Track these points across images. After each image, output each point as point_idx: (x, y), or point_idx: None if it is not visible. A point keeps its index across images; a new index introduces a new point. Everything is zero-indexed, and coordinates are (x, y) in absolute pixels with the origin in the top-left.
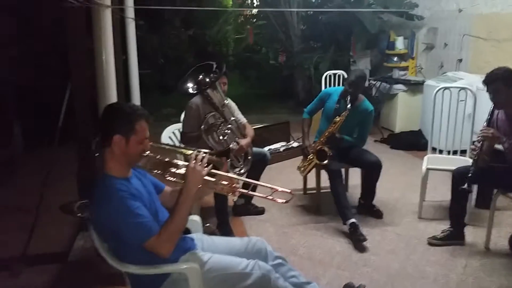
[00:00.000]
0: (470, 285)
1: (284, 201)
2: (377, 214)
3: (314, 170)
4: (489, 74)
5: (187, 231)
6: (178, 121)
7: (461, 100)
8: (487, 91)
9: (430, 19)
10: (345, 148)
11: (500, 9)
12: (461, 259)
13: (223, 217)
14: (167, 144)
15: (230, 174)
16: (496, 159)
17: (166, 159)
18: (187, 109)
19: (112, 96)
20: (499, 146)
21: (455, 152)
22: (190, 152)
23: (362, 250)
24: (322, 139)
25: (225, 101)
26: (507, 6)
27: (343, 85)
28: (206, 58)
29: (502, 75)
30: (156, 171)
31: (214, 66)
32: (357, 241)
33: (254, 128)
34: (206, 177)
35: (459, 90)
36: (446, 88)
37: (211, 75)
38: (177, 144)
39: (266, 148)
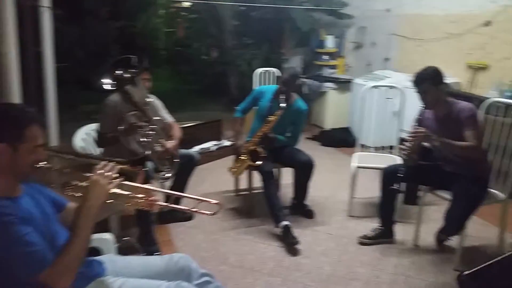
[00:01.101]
0: (402, 285)
1: (212, 213)
2: (309, 214)
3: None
4: (418, 75)
5: (97, 252)
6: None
7: (388, 98)
8: (416, 91)
9: (359, 18)
10: (278, 148)
11: (424, 10)
12: (391, 258)
13: (146, 226)
14: (68, 152)
15: (146, 186)
16: (422, 156)
17: (67, 170)
18: (103, 107)
19: (14, 94)
20: (425, 144)
21: (382, 148)
22: (96, 161)
23: (295, 254)
24: (255, 139)
25: (148, 98)
26: (431, 7)
27: (276, 83)
28: (134, 51)
29: (430, 75)
30: (55, 184)
31: (135, 60)
32: (290, 244)
33: (184, 127)
34: (117, 191)
35: (388, 89)
36: (376, 86)
37: (131, 70)
38: (93, 147)
39: (196, 148)
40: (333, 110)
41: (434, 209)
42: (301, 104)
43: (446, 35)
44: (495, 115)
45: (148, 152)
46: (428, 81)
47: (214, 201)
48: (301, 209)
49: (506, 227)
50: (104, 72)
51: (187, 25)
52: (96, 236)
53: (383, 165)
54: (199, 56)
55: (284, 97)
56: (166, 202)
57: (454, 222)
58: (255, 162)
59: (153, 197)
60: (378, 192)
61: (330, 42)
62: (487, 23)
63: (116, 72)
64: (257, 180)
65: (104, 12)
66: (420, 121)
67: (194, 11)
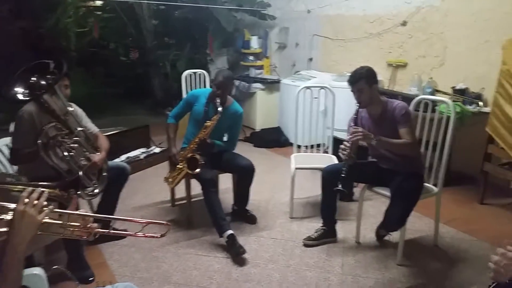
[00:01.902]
0: (351, 285)
1: (159, 235)
2: (251, 219)
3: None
4: (352, 74)
5: None
6: (8, 133)
7: (315, 98)
8: (351, 90)
9: (281, 19)
10: (216, 154)
11: (344, 11)
12: (337, 258)
13: (75, 250)
14: None
15: (82, 212)
16: (360, 155)
17: None
18: (17, 119)
19: None
20: (362, 143)
21: (312, 147)
22: (18, 188)
23: (242, 264)
24: (192, 145)
25: (69, 107)
26: (350, 8)
27: (210, 86)
28: (43, 54)
29: (365, 75)
30: None
31: (52, 65)
32: (236, 254)
33: (108, 135)
34: (47, 220)
35: (316, 88)
36: (308, 87)
37: (48, 76)
38: (3, 165)
39: (123, 157)
40: (263, 111)
41: (370, 204)
42: (237, 107)
43: (366, 35)
44: (423, 111)
45: (80, 173)
46: (363, 81)
47: (163, 222)
48: (243, 215)
49: (439, 218)
50: (14, 80)
51: (102, 25)
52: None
53: (322, 165)
54: (117, 57)
55: (220, 100)
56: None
57: (395, 219)
58: (194, 170)
59: (90, 224)
60: (315, 191)
61: (255, 43)
62: (404, 23)
63: (31, 79)
64: (196, 188)
65: (4, 10)
66: (356, 121)
67: (109, 10)
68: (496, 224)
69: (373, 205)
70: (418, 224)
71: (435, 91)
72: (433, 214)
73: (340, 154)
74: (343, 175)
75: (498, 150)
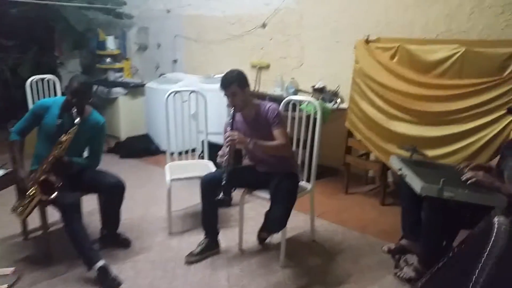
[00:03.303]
0: None
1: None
2: (124, 243)
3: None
4: (224, 79)
5: None
6: None
7: (184, 101)
8: (224, 95)
9: (140, 18)
10: (76, 173)
11: (205, 11)
12: (222, 271)
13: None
14: None
15: None
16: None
17: None
18: None
19: None
20: (239, 147)
21: (187, 152)
22: None
23: None
24: (44, 166)
25: None
26: (211, 9)
27: (63, 94)
28: None
29: (236, 78)
30: None
31: None
32: None
33: None
34: None
35: (185, 92)
36: (178, 91)
37: None
38: None
39: None
40: (127, 118)
41: (249, 207)
42: (97, 116)
43: (228, 36)
44: (291, 111)
45: None
46: (235, 84)
47: (7, 272)
48: (114, 239)
49: (314, 213)
50: None
51: None
52: None
53: (199, 173)
54: None
55: (76, 110)
56: None
57: (276, 220)
58: (49, 195)
59: None
60: (193, 200)
61: (111, 43)
62: (264, 25)
63: None
64: (54, 215)
65: None
66: (232, 125)
67: None
68: (361, 212)
69: (252, 208)
70: (294, 221)
71: (297, 91)
72: (307, 210)
73: (218, 161)
74: (224, 183)
75: (357, 143)
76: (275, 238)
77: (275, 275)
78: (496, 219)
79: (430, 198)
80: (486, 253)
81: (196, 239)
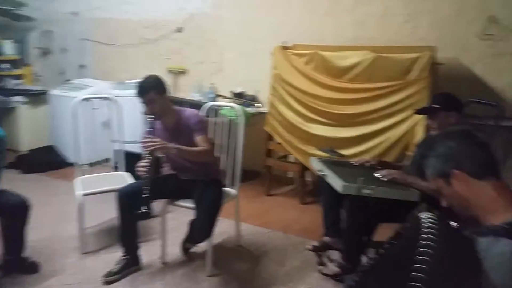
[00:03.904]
0: None
1: None
2: (32, 268)
3: None
4: (141, 85)
5: None
6: None
7: (94, 108)
8: (142, 102)
9: (42, 21)
10: None
11: (117, 14)
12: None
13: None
14: None
15: None
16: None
17: None
18: None
19: None
20: (160, 155)
21: (100, 163)
22: None
23: None
24: None
25: None
26: (124, 12)
27: None
28: None
29: (154, 84)
30: None
31: None
32: None
33: None
34: None
35: (102, 100)
36: (87, 99)
37: None
38: None
39: None
40: (29, 128)
41: (171, 217)
42: None
43: (143, 40)
44: (212, 116)
45: None
46: (153, 91)
47: None
48: (20, 264)
49: (240, 218)
50: None
51: None
52: None
53: (114, 185)
54: None
55: None
56: None
57: (202, 230)
58: None
59: None
60: (108, 215)
61: (8, 48)
62: (180, 29)
63: None
64: None
65: None
66: (152, 133)
67: None
68: (283, 212)
69: (175, 218)
70: (219, 227)
71: (216, 96)
72: (231, 215)
73: (138, 172)
74: (145, 195)
75: (277, 145)
76: (201, 246)
77: (201, 285)
78: (422, 215)
79: (350, 196)
80: (419, 249)
81: (114, 257)
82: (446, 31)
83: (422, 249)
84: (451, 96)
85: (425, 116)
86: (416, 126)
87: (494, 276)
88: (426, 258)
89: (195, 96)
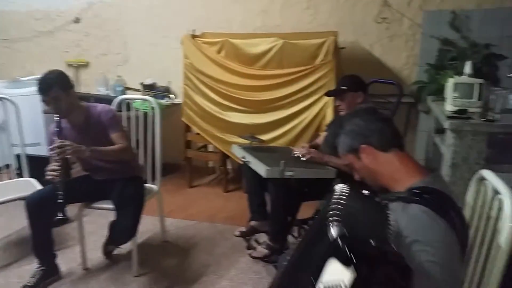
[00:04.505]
0: None
1: None
2: None
3: None
4: (42, 81)
5: None
6: None
7: None
8: (44, 100)
9: None
10: None
11: (3, 5)
12: None
13: None
14: None
15: None
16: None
17: None
18: None
19: None
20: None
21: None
22: None
23: None
24: None
25: None
26: (9, 2)
27: None
28: None
29: (57, 80)
30: None
31: None
32: None
33: None
34: None
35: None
36: None
37: None
38: None
39: None
40: None
41: (87, 221)
42: None
43: (35, 33)
44: (125, 111)
45: None
46: (56, 87)
47: None
48: None
49: (163, 214)
50: None
51: None
52: None
53: (21, 193)
54: None
55: None
56: None
57: (125, 231)
58: None
59: None
60: (15, 226)
61: None
62: (77, 20)
63: None
64: None
65: None
66: (59, 133)
67: None
68: (207, 202)
69: (92, 221)
70: (142, 224)
71: (125, 89)
72: (155, 211)
73: (49, 177)
74: (60, 201)
75: (195, 136)
76: (124, 247)
77: (129, 286)
78: (336, 187)
79: (274, 179)
80: (330, 207)
81: (28, 269)
82: (345, 16)
83: (333, 206)
84: (357, 78)
85: (334, 97)
86: (326, 108)
87: (408, 232)
88: (337, 212)
89: (101, 90)
